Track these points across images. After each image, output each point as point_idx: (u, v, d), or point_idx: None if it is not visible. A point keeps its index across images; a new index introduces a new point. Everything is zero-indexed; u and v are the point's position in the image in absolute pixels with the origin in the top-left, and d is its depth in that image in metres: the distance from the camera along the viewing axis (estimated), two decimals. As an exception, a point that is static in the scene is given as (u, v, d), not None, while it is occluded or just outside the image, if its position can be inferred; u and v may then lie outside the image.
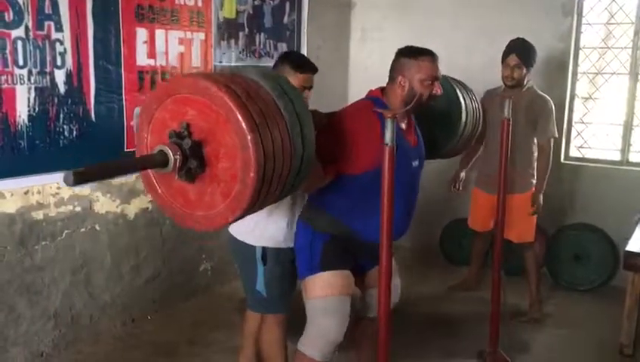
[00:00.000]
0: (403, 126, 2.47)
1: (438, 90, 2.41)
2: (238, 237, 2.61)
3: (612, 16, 4.50)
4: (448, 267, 4.79)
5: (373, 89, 2.55)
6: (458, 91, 3.01)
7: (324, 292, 2.40)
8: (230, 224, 1.72)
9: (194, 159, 1.61)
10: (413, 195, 2.57)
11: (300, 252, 2.49)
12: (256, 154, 1.55)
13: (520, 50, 3.62)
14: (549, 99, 3.75)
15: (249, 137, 1.55)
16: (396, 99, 2.42)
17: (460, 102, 2.94)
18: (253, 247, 2.56)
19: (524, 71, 3.65)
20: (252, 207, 1.68)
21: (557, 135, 3.80)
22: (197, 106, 1.61)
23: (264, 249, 2.55)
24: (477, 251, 4.27)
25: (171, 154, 1.58)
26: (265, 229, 2.54)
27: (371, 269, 2.56)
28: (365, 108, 2.41)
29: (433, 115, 2.66)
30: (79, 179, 1.37)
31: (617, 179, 4.42)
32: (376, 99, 2.46)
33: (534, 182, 3.76)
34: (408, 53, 2.41)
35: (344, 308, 2.42)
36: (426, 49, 2.43)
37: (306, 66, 2.64)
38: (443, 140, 3.00)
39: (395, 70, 2.45)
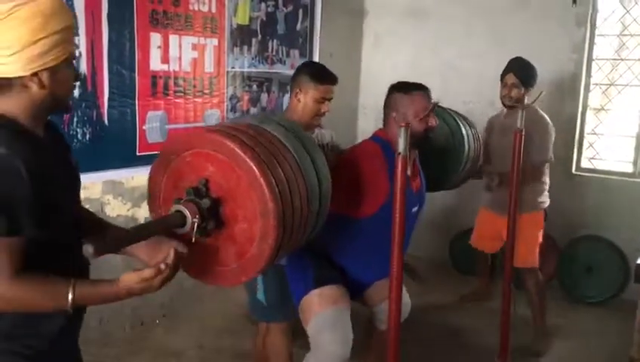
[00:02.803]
0: (408, 172, 2.45)
1: (433, 121, 2.41)
2: None
3: (625, 28, 4.49)
4: (458, 276, 4.77)
5: (380, 129, 2.54)
6: (459, 121, 3.01)
7: (320, 306, 2.36)
8: (242, 283, 1.74)
9: (212, 220, 1.57)
10: (406, 240, 2.49)
11: (293, 276, 2.47)
12: (276, 223, 1.55)
13: (518, 70, 3.51)
14: (549, 121, 3.57)
15: (270, 206, 1.54)
16: (394, 136, 2.34)
17: (462, 132, 2.95)
18: None
19: (523, 90, 3.50)
20: (265, 269, 1.68)
21: (552, 158, 3.60)
22: (219, 164, 1.58)
23: None
24: (481, 261, 4.22)
25: (189, 216, 1.52)
26: None
27: (369, 287, 2.57)
28: (374, 153, 2.40)
29: (437, 148, 2.65)
30: (100, 250, 1.31)
31: (629, 191, 4.39)
32: (384, 142, 2.44)
33: (540, 200, 3.58)
34: (401, 89, 2.41)
35: (342, 319, 2.37)
36: (418, 84, 2.44)
37: (326, 77, 2.65)
38: (448, 172, 3.00)
39: (388, 107, 2.45)
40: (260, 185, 1.54)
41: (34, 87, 1.38)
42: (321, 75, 2.67)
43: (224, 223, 1.59)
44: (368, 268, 2.48)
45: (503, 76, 3.58)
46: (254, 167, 1.54)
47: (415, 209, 2.51)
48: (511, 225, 3.04)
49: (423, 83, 2.48)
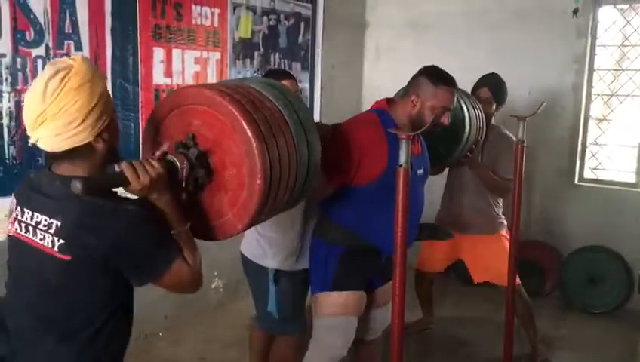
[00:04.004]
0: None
1: (445, 120, 2.40)
2: (250, 258, 2.61)
3: (627, 38, 4.51)
4: (458, 286, 4.74)
5: (379, 100, 2.54)
6: (461, 102, 3.00)
7: (333, 310, 2.40)
8: (240, 232, 1.73)
9: (201, 168, 1.62)
10: (420, 202, 2.54)
11: (314, 267, 2.49)
12: (261, 161, 1.57)
13: (493, 85, 3.44)
14: (514, 139, 3.59)
15: (254, 144, 1.56)
16: (403, 115, 2.41)
17: (464, 113, 2.94)
18: (265, 268, 2.56)
19: (494, 107, 3.44)
20: (260, 215, 1.68)
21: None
22: (201, 116, 1.63)
23: (277, 270, 2.55)
24: (424, 293, 3.89)
25: (178, 163, 1.59)
26: (277, 251, 2.53)
27: (379, 287, 2.56)
28: (372, 121, 2.40)
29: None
30: (87, 187, 1.39)
31: (632, 201, 4.39)
32: (381, 112, 2.44)
33: (504, 223, 3.49)
34: (430, 76, 2.39)
35: (350, 328, 2.42)
36: (448, 78, 2.41)
37: (274, 75, 2.63)
38: (447, 151, 2.99)
39: (412, 86, 2.44)
40: (241, 126, 1.57)
41: (99, 147, 1.51)
42: (271, 73, 2.73)
43: (214, 172, 1.64)
44: (384, 237, 2.33)
45: (475, 90, 3.47)
46: (234, 110, 1.58)
47: (420, 171, 2.49)
48: (514, 240, 3.02)
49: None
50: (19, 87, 2.79)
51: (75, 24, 2.97)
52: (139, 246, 1.49)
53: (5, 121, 2.77)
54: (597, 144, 4.64)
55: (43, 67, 2.86)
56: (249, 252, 2.61)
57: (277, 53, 4.27)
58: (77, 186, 1.38)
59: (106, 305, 1.55)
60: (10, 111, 2.78)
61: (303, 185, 1.81)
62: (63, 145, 1.46)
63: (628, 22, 4.46)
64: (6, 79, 2.75)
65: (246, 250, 2.63)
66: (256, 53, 4.10)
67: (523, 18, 4.60)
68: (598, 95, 4.60)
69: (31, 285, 1.56)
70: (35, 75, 2.84)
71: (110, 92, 3.13)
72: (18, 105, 2.79)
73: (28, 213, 1.54)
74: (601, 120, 4.64)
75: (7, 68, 2.74)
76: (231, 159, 1.61)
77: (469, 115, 3.00)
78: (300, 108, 1.81)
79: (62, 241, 1.46)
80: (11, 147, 2.79)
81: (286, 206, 1.85)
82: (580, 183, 4.62)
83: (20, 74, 2.79)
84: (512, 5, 4.65)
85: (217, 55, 3.80)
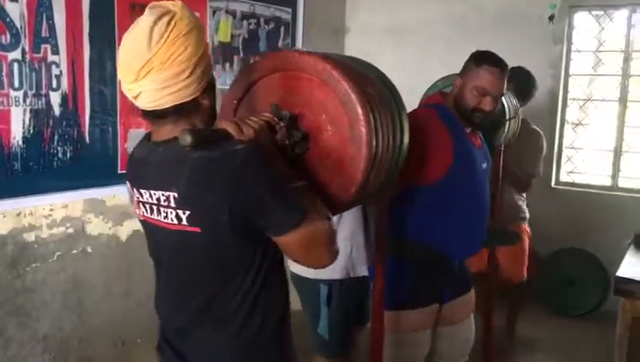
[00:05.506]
0: (467, 130, 2.35)
1: (486, 105, 2.23)
2: (297, 272, 2.44)
3: (601, 44, 4.58)
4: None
5: (432, 95, 2.47)
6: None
7: (410, 327, 2.28)
8: (354, 195, 1.52)
9: (296, 130, 1.48)
10: (487, 201, 2.42)
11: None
12: (361, 102, 1.44)
13: (517, 81, 3.28)
14: (541, 133, 3.58)
15: (348, 87, 1.44)
16: (451, 102, 2.32)
17: (504, 107, 2.82)
18: (315, 284, 2.39)
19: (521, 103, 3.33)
20: (370, 172, 1.50)
21: (540, 173, 3.59)
22: (282, 83, 1.52)
23: (330, 287, 2.38)
24: None
25: (274, 121, 1.46)
26: None
27: (449, 301, 2.41)
28: (430, 116, 2.28)
29: None
30: (196, 137, 1.26)
31: (608, 204, 4.46)
32: (438, 106, 2.35)
33: (523, 216, 3.59)
34: (475, 57, 2.31)
35: (426, 343, 2.35)
36: (494, 59, 2.30)
37: None
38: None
39: (461, 70, 2.35)
40: (329, 73, 1.45)
41: (205, 104, 1.38)
42: None
43: (309, 136, 1.51)
44: (453, 240, 2.30)
45: None
46: (318, 60, 1.47)
47: (484, 165, 2.37)
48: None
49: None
50: (-6, 91, 2.75)
51: (52, 28, 2.93)
52: (261, 188, 1.28)
53: (-20, 125, 2.73)
54: (573, 148, 4.71)
55: (19, 71, 2.83)
56: (298, 267, 2.38)
57: (257, 57, 4.26)
58: (186, 138, 1.24)
59: (252, 276, 1.37)
60: (-14, 116, 2.74)
61: (397, 157, 1.66)
62: (168, 100, 1.30)
63: (602, 28, 4.53)
64: (-19, 83, 2.71)
65: (295, 267, 2.42)
66: (235, 58, 4.09)
67: (500, 24, 4.65)
68: (574, 100, 4.67)
69: (175, 271, 1.44)
70: (11, 80, 2.80)
71: (88, 96, 3.14)
72: (-7, 110, 2.75)
73: (145, 192, 1.39)
74: (577, 124, 4.71)
75: (-18, 72, 2.71)
76: (326, 117, 1.48)
77: (508, 107, 2.86)
78: (385, 77, 1.74)
79: (187, 213, 1.30)
80: (-14, 152, 2.75)
81: (384, 180, 1.66)
82: (557, 186, 4.68)
83: (-5, 78, 2.74)
84: (489, 12, 4.70)
85: (197, 59, 3.77)
